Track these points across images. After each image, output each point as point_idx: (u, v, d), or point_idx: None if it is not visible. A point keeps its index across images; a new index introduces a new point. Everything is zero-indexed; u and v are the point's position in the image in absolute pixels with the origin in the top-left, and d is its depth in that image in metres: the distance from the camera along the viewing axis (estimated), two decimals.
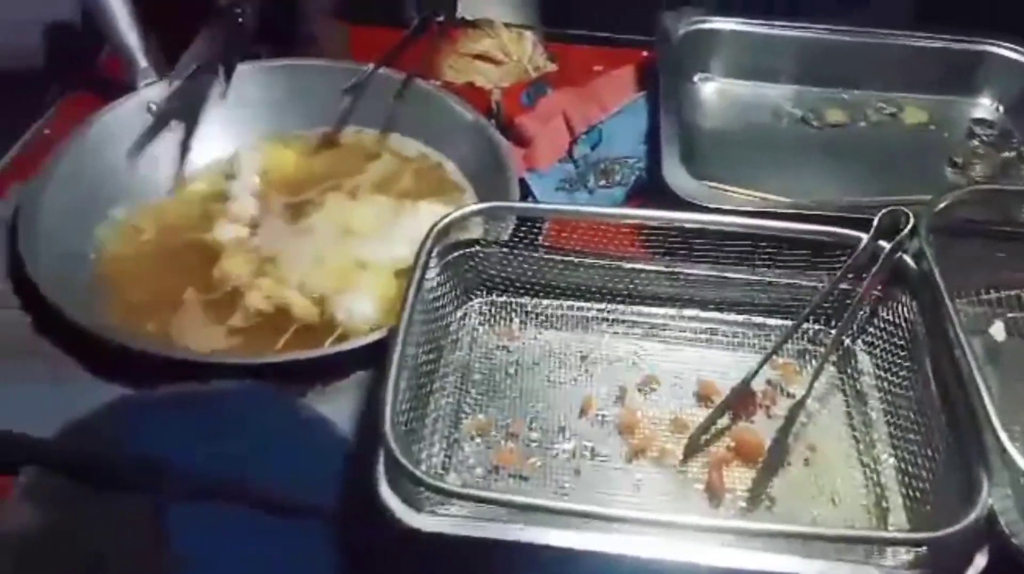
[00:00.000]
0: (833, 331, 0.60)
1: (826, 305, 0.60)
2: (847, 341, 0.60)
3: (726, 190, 0.71)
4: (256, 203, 0.73)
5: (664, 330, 0.62)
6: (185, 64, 0.74)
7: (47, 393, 0.57)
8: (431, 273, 0.57)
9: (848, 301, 0.58)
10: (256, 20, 0.79)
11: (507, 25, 0.89)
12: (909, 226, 0.56)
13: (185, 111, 0.76)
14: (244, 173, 0.75)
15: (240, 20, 0.77)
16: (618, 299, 0.63)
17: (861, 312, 0.59)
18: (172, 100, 0.75)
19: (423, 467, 0.50)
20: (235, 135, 0.79)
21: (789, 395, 0.58)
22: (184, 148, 0.77)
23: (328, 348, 0.60)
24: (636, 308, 0.63)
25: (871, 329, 0.60)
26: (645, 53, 0.88)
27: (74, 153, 0.71)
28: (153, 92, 0.75)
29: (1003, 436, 0.46)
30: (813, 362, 0.60)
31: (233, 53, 0.77)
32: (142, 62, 0.76)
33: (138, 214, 0.72)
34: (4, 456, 0.50)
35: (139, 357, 0.56)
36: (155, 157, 0.75)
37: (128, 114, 0.74)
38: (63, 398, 0.56)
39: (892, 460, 0.54)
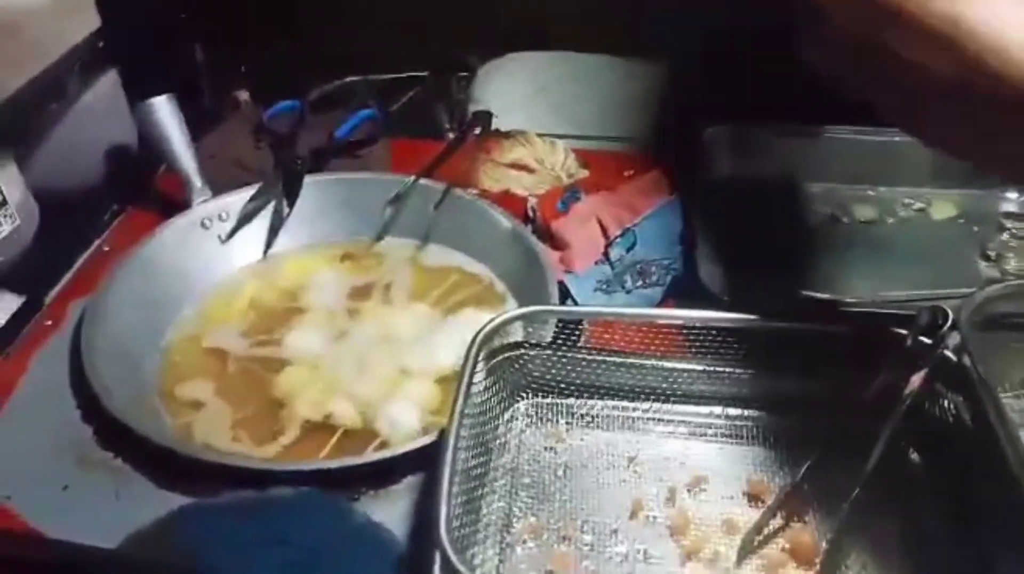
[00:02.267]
0: (880, 427, 0.60)
1: (871, 402, 0.60)
2: (896, 438, 0.60)
3: (761, 287, 0.72)
4: (326, 314, 0.76)
5: (710, 429, 0.62)
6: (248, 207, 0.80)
7: (110, 503, 0.58)
8: (478, 377, 0.58)
9: (893, 397, 0.59)
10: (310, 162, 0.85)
11: (540, 135, 0.93)
12: (949, 322, 0.56)
13: (239, 224, 0.81)
14: (315, 285, 0.79)
15: (298, 167, 0.83)
16: (662, 398, 0.64)
17: (907, 408, 0.59)
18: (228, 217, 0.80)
19: (478, 572, 0.50)
20: (280, 244, 0.82)
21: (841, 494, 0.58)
22: (235, 256, 0.81)
23: (380, 454, 0.61)
24: (681, 407, 0.63)
25: (918, 425, 0.60)
26: (675, 156, 0.91)
27: (132, 268, 0.74)
28: (208, 209, 0.79)
29: None
30: (863, 460, 0.59)
31: (292, 192, 0.82)
32: (197, 182, 0.80)
33: (197, 324, 0.75)
34: (71, 568, 0.51)
35: (199, 466, 0.57)
36: (211, 266, 0.79)
37: (184, 230, 0.78)
38: (125, 508, 0.57)
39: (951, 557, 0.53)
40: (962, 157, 0.49)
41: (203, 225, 0.79)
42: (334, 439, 0.65)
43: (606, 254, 0.80)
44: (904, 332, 0.57)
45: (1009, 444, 0.51)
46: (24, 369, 0.69)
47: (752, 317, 0.61)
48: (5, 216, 0.71)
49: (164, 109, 0.80)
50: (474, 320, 0.65)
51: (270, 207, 0.82)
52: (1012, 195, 0.86)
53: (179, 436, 0.64)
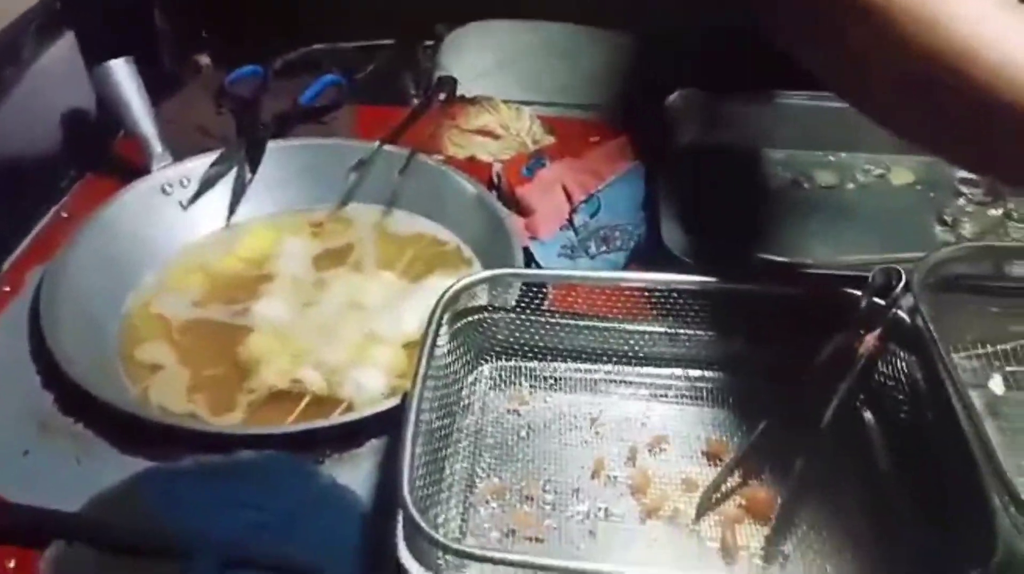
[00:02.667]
0: (834, 387, 0.61)
1: (826, 362, 0.61)
2: (850, 397, 0.61)
3: (723, 251, 0.73)
4: (292, 282, 0.76)
5: (670, 390, 0.63)
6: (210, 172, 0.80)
7: (72, 468, 0.57)
8: (441, 340, 0.59)
9: (848, 357, 0.60)
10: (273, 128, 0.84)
11: (505, 102, 0.93)
12: (902, 283, 0.57)
13: (200, 190, 0.80)
14: (280, 252, 0.79)
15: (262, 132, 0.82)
16: (624, 360, 0.64)
17: (861, 368, 0.60)
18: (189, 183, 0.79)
19: (441, 531, 0.51)
20: (243, 210, 0.81)
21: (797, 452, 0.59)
22: (198, 222, 0.80)
23: (344, 417, 0.61)
24: (642, 369, 0.64)
25: (872, 385, 0.61)
26: (638, 123, 0.91)
27: (93, 233, 0.73)
28: (168, 175, 0.78)
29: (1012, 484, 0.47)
30: (818, 419, 0.61)
31: (255, 158, 0.82)
32: (157, 147, 0.79)
33: (157, 291, 0.74)
34: (33, 532, 0.51)
35: (161, 430, 0.57)
36: (172, 232, 0.78)
37: (145, 195, 0.77)
38: (87, 473, 0.57)
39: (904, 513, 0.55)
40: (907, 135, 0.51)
41: (164, 191, 0.78)
42: (301, 406, 0.65)
43: (570, 220, 0.81)
44: (859, 293, 0.58)
45: (959, 402, 0.52)
46: None
47: (712, 279, 0.62)
48: None
49: (122, 72, 0.78)
50: (441, 286, 0.65)
51: (232, 173, 0.81)
52: None
53: (139, 401, 0.64)
